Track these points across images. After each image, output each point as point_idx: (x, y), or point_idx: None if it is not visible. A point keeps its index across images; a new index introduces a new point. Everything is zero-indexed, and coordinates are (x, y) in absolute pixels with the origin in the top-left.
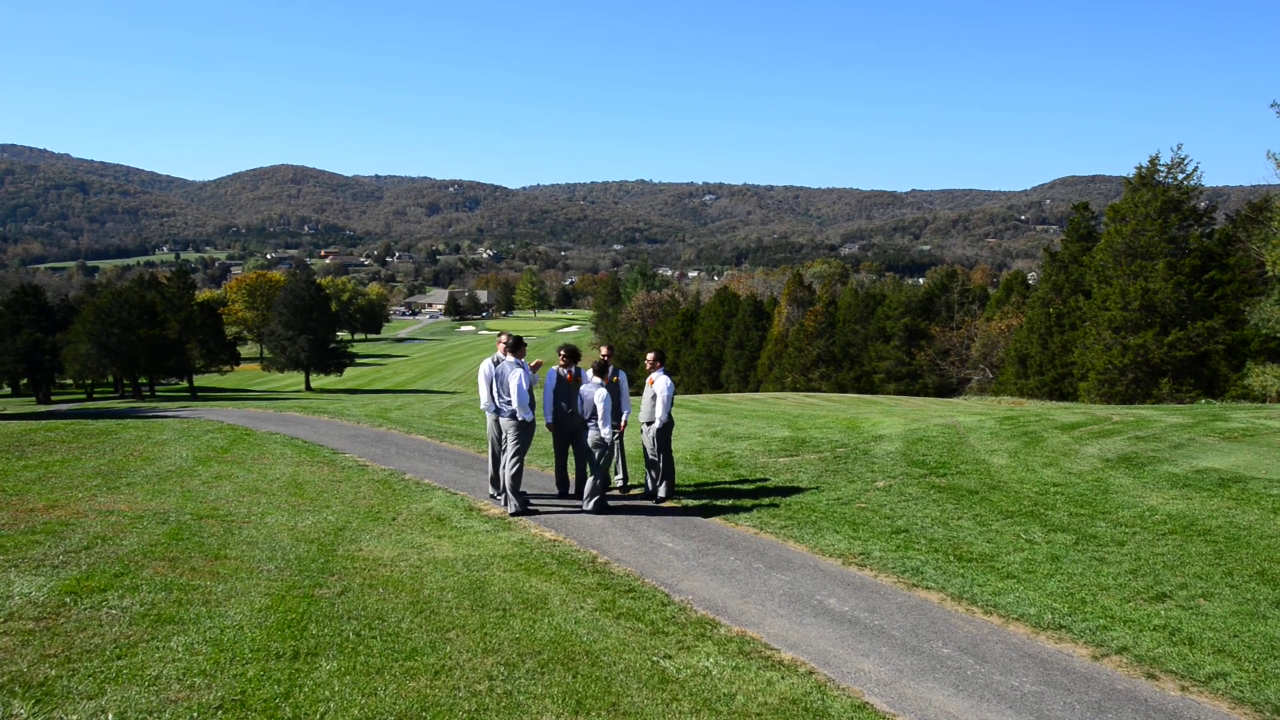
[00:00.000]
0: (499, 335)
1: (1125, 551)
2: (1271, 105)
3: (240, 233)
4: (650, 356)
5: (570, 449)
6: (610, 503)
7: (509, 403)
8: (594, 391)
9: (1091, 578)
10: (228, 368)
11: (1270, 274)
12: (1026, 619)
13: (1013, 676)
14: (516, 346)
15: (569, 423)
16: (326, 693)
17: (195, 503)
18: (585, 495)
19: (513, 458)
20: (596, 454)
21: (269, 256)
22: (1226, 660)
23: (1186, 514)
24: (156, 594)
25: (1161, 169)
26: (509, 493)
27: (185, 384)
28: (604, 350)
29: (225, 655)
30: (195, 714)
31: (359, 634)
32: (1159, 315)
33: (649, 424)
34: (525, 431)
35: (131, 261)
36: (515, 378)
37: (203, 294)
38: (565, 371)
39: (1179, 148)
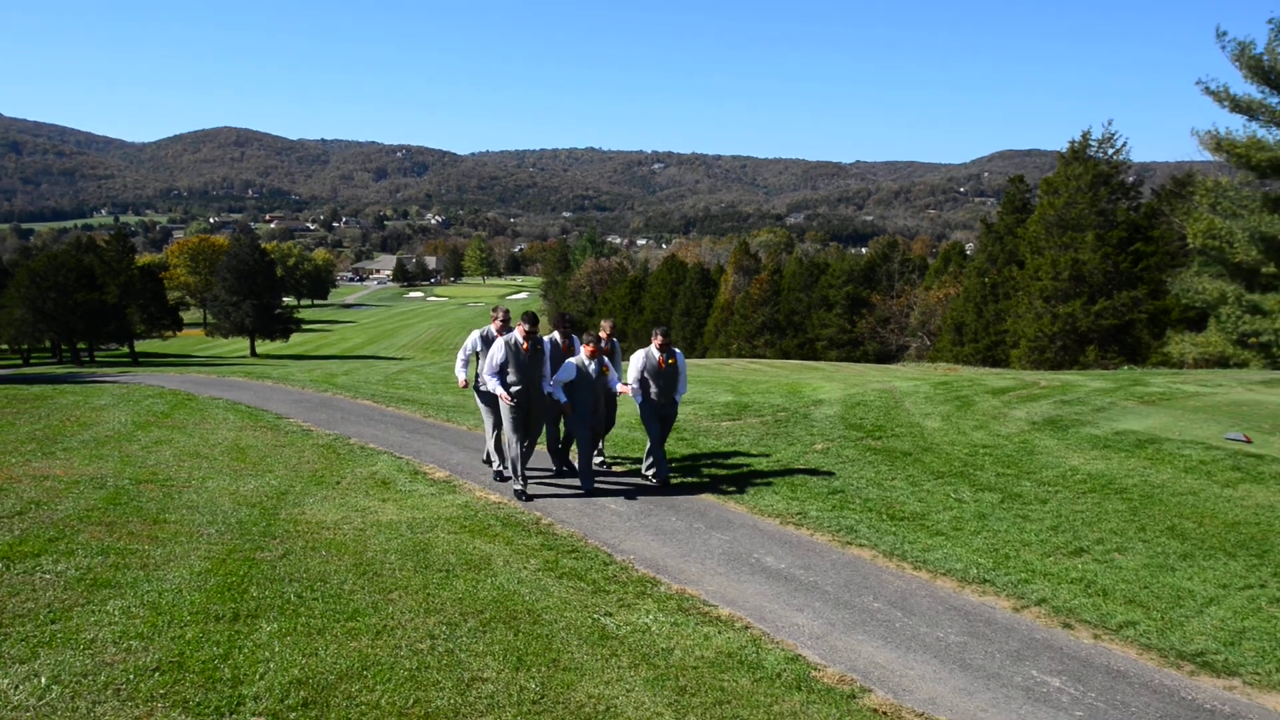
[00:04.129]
0: (494, 309)
1: (1047, 509)
2: (1197, 83)
3: (182, 196)
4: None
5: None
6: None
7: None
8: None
9: (1015, 534)
10: (170, 333)
11: (1191, 246)
12: (953, 574)
13: (938, 628)
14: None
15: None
16: (266, 653)
17: (134, 468)
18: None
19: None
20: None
21: (212, 220)
22: (1136, 610)
23: (1105, 473)
24: (93, 558)
25: (1093, 144)
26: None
27: (126, 349)
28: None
29: (163, 618)
30: (131, 676)
31: (300, 596)
32: (1087, 285)
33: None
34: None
35: (68, 224)
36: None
37: (143, 258)
38: (562, 343)
39: (1109, 123)
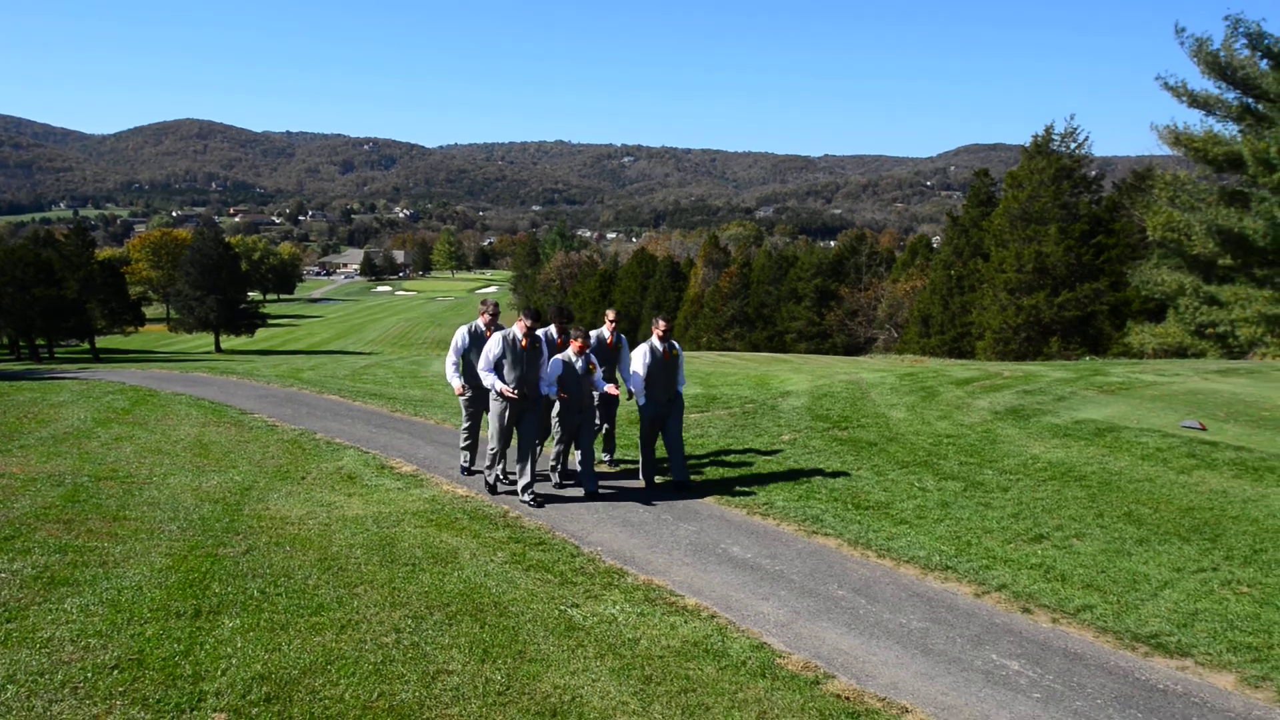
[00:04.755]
0: (482, 301)
1: (1009, 497)
2: (1156, 79)
3: (143, 189)
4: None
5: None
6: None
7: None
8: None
9: (977, 522)
10: (132, 329)
11: (1151, 239)
12: (916, 561)
13: (901, 615)
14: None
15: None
16: (229, 649)
17: (94, 465)
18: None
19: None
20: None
21: (174, 214)
22: (1094, 594)
23: (1065, 461)
24: (50, 556)
25: (1056, 138)
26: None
27: (86, 346)
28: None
29: (122, 616)
30: (89, 674)
31: (264, 591)
32: (1050, 277)
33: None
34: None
35: (25, 218)
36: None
37: (104, 252)
38: (559, 339)
39: (1072, 118)
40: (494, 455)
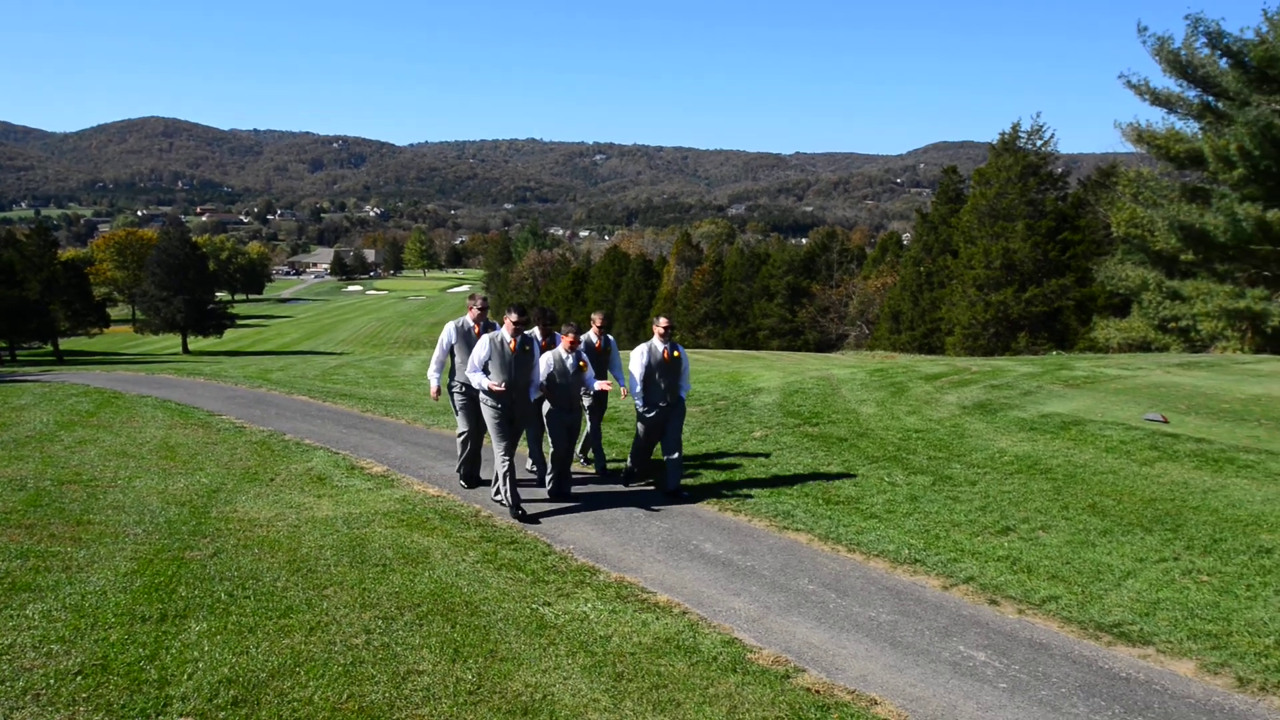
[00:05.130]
0: (471, 296)
1: (976, 490)
2: (1119, 77)
3: (107, 188)
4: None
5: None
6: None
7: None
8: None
9: (945, 515)
10: (97, 330)
11: (1115, 235)
12: (886, 555)
13: (870, 608)
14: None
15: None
16: (195, 653)
17: (56, 468)
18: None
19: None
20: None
21: (140, 213)
22: (1059, 585)
23: (1031, 454)
24: (11, 562)
25: (1022, 135)
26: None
27: (50, 348)
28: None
29: (86, 621)
30: (52, 680)
31: (231, 594)
32: (1018, 273)
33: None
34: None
35: None
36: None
37: (67, 252)
38: (543, 340)
39: (1038, 115)
40: (504, 474)
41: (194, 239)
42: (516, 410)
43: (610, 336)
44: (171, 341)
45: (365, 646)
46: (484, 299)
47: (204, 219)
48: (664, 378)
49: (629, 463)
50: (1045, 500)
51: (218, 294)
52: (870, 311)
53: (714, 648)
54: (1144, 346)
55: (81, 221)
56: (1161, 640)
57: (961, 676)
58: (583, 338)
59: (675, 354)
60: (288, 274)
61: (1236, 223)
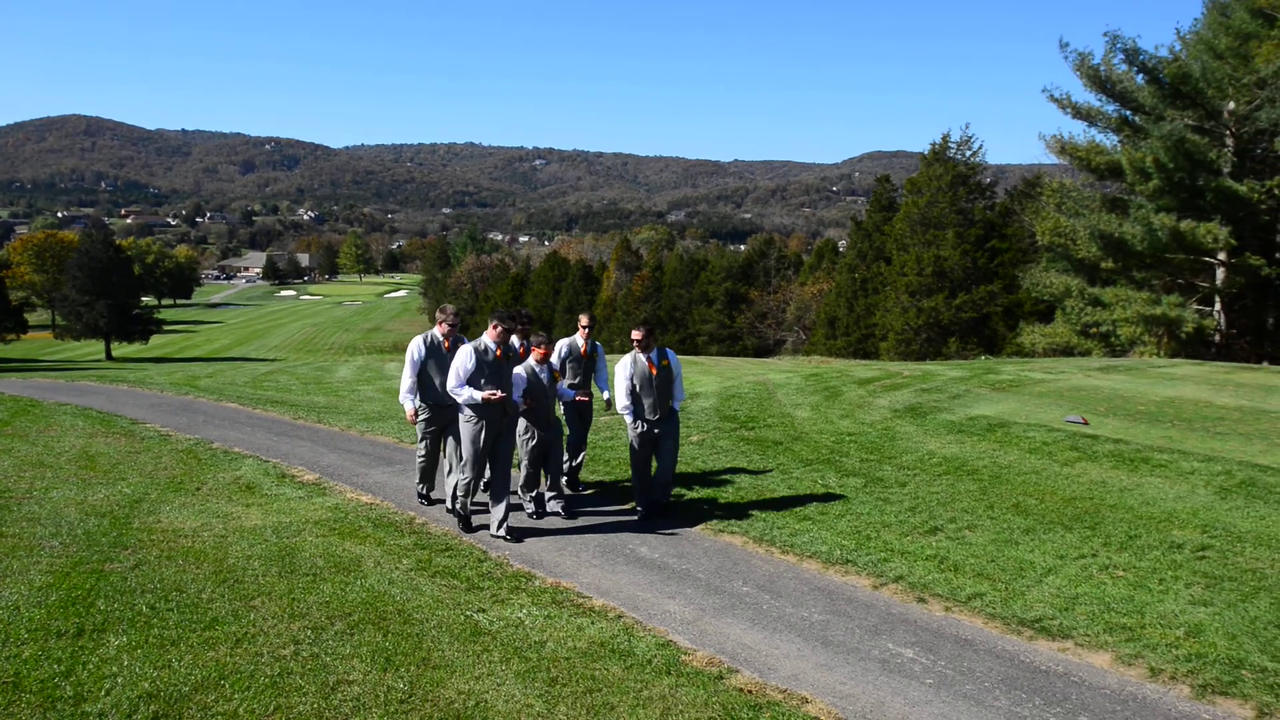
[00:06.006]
0: (441, 309)
1: (906, 492)
2: (1043, 91)
3: (25, 188)
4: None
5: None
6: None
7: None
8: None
9: (876, 516)
10: (13, 336)
11: (1040, 243)
12: (818, 556)
13: (803, 608)
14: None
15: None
16: (114, 668)
17: None
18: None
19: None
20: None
21: (60, 215)
22: (984, 583)
23: (959, 456)
24: None
25: (952, 146)
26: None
27: None
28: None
29: None
30: None
31: (153, 607)
32: (948, 280)
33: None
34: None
35: None
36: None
37: None
38: (520, 346)
39: (966, 127)
40: (468, 485)
41: (118, 241)
42: (503, 426)
43: (597, 343)
44: (94, 348)
45: (294, 657)
46: (455, 311)
47: (129, 221)
48: (651, 390)
49: (635, 483)
50: (972, 500)
51: (144, 299)
52: (807, 317)
53: (649, 651)
54: (1067, 351)
55: None
56: (1080, 634)
57: (890, 673)
58: (565, 342)
59: (664, 363)
60: (218, 278)
61: (1152, 232)
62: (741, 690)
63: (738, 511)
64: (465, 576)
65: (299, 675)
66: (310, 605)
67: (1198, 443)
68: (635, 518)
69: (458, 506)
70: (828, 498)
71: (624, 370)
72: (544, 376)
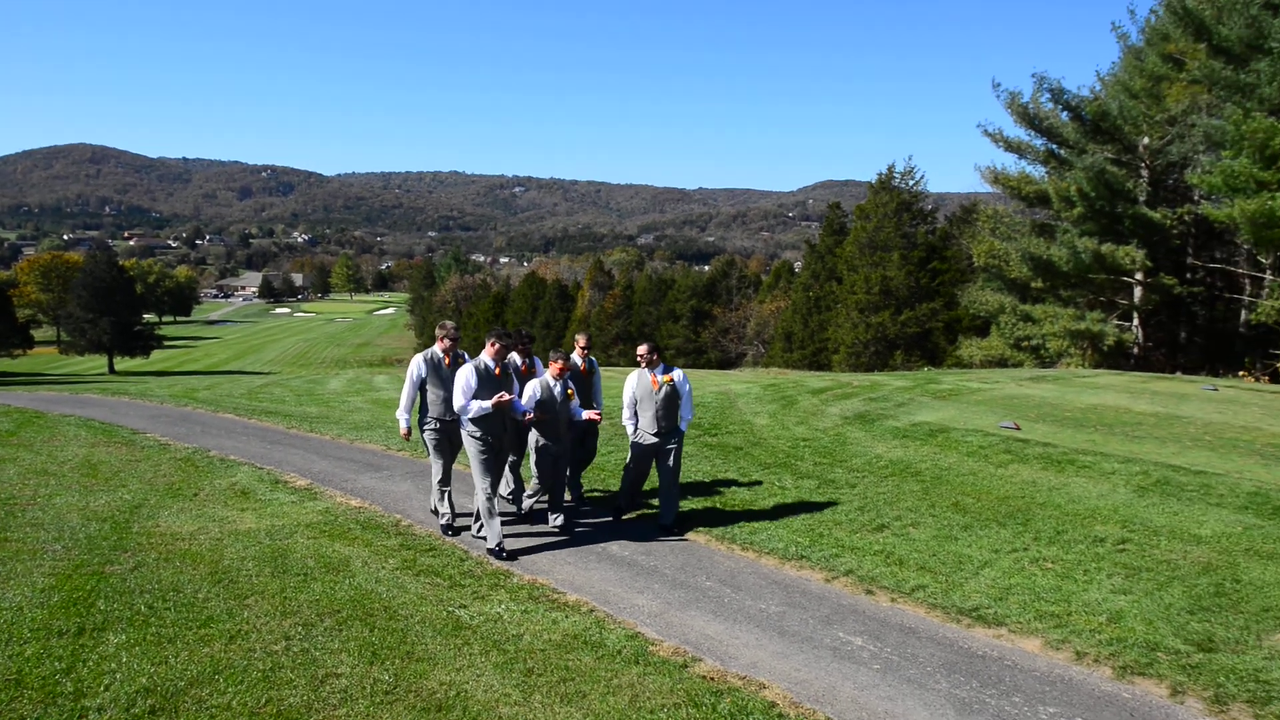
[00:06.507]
0: (440, 325)
1: (855, 492)
2: (978, 126)
3: (33, 213)
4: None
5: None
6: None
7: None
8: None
9: (829, 515)
10: (20, 351)
11: (977, 265)
12: (776, 552)
13: (761, 601)
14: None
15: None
16: (112, 665)
17: None
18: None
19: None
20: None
21: (66, 237)
22: (926, 575)
23: (903, 459)
24: None
25: (897, 176)
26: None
27: None
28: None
29: (0, 637)
30: None
31: (151, 606)
32: (894, 298)
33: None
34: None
35: None
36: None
37: None
38: (522, 363)
39: (910, 158)
40: (486, 510)
41: (121, 262)
42: (506, 440)
43: (594, 359)
44: (97, 362)
45: (285, 653)
46: (455, 326)
47: (131, 243)
48: (651, 404)
49: (620, 490)
50: (915, 500)
51: (145, 316)
52: (766, 332)
53: (618, 642)
54: (1002, 363)
55: (5, 245)
56: (1013, 621)
57: (841, 660)
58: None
59: (668, 379)
60: (216, 297)
61: (1077, 255)
62: (705, 677)
63: (701, 511)
64: (448, 575)
65: (290, 669)
66: (301, 603)
67: (1118, 445)
68: (609, 519)
69: (487, 533)
70: (784, 498)
71: (630, 384)
72: (558, 391)
